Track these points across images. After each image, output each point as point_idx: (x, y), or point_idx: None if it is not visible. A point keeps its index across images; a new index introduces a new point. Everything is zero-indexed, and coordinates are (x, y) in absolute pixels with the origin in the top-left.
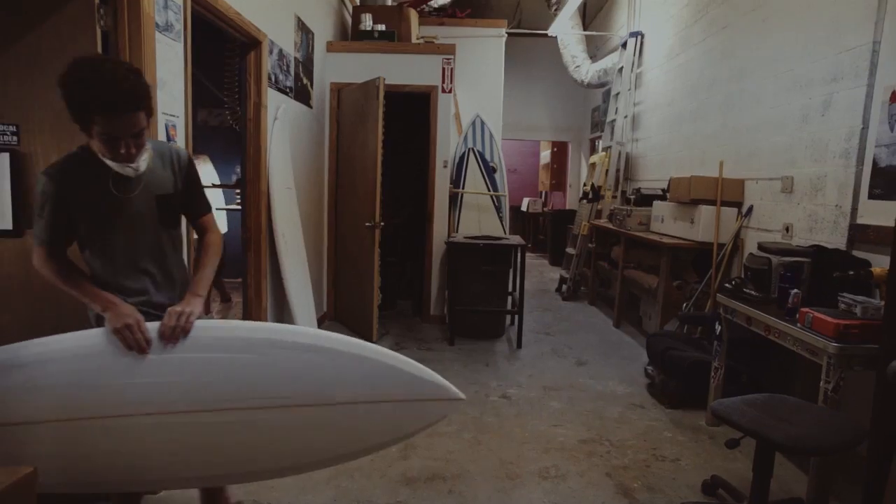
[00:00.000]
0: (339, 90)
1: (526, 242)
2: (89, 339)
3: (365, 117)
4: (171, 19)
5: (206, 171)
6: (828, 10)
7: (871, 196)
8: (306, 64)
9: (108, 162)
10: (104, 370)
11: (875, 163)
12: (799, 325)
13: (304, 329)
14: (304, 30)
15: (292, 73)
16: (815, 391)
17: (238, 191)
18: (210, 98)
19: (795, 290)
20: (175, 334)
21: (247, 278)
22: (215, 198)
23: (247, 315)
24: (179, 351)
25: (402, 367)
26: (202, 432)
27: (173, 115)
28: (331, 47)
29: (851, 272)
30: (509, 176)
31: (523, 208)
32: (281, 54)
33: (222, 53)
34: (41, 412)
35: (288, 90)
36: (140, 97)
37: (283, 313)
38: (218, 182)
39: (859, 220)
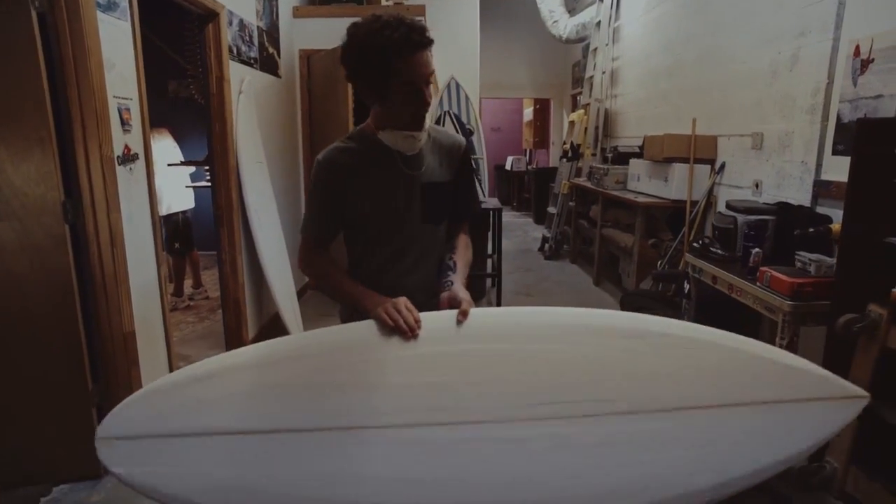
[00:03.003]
0: (308, 57)
1: (511, 202)
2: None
3: (335, 84)
4: None
5: (166, 146)
6: None
7: (835, 152)
8: (271, 32)
9: (388, 137)
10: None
11: (839, 118)
12: (758, 283)
13: (640, 316)
14: None
15: (256, 42)
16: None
17: (207, 167)
18: (179, 68)
19: (757, 250)
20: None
21: (221, 255)
22: (183, 175)
23: (224, 290)
24: (474, 341)
25: (782, 360)
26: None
27: (126, 98)
28: (297, 12)
29: (812, 229)
30: (493, 135)
31: (507, 167)
32: (242, 24)
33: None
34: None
35: (252, 61)
36: (428, 31)
37: (261, 287)
38: (182, 158)
39: (823, 177)
